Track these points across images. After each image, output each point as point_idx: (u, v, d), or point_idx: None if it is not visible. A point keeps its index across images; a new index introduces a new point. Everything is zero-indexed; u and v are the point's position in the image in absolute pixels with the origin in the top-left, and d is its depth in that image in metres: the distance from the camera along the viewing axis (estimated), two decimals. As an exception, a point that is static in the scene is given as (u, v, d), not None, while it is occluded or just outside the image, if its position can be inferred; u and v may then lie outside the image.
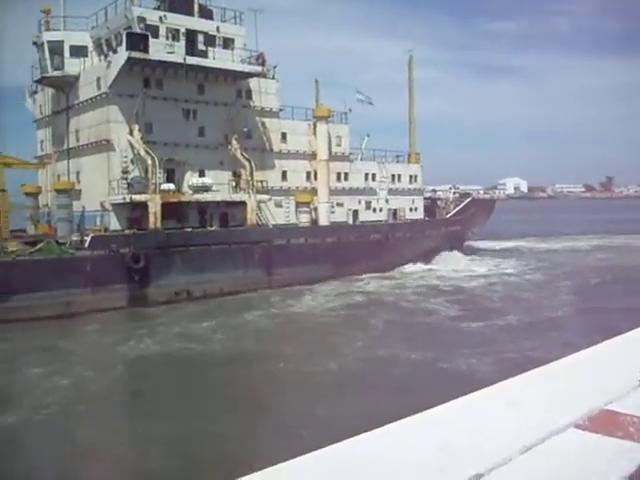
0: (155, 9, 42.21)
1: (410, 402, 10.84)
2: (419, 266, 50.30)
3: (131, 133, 39.89)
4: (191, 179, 42.49)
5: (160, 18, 40.69)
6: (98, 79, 41.01)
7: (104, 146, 40.45)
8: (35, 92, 49.53)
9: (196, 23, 42.66)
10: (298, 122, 49.84)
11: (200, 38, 42.53)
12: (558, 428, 2.42)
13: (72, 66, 43.10)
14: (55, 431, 17.52)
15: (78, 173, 43.58)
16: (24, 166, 45.18)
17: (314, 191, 48.93)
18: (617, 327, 4.68)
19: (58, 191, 39.91)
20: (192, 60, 41.13)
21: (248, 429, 16.79)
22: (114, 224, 39.74)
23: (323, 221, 48.75)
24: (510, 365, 19.96)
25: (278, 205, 47.32)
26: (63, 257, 34.61)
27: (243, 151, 44.28)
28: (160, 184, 39.68)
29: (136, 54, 38.45)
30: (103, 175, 40.35)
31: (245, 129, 45.57)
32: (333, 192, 50.26)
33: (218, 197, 42.78)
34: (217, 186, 42.93)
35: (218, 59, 42.67)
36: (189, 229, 41.01)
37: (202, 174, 43.36)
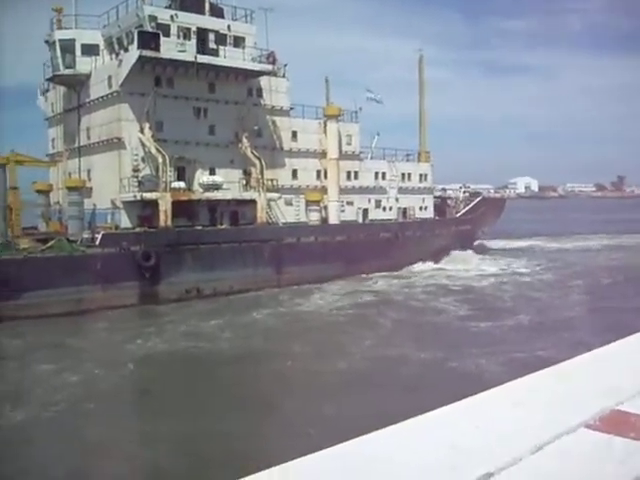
0: (166, 8, 42.35)
1: (419, 401, 10.81)
2: (429, 265, 50.18)
3: (142, 131, 40.04)
4: (201, 177, 42.61)
5: (171, 17, 40.83)
6: (109, 77, 41.20)
7: (115, 144, 40.62)
8: (47, 90, 49.82)
9: (207, 22, 42.76)
10: (308, 121, 49.86)
11: (211, 37, 42.62)
12: (569, 428, 2.40)
13: (84, 64, 43.32)
14: (64, 428, 17.61)
15: (89, 171, 43.81)
16: (36, 164, 45.46)
17: (324, 190, 48.94)
18: (629, 327, 4.65)
19: (69, 189, 40.10)
20: (203, 59, 41.23)
21: (256, 427, 16.80)
22: (125, 222, 39.91)
23: (333, 220, 48.75)
24: (520, 365, 19.88)
25: (288, 203, 47.35)
26: (74, 254, 34.80)
27: (253, 149, 44.33)
28: (171, 182, 39.81)
29: (147, 53, 38.60)
30: (114, 173, 40.52)
31: (256, 127, 45.64)
32: (343, 191, 50.26)
33: (228, 195, 42.88)
34: (227, 184, 43.02)
35: (229, 58, 42.74)
36: (199, 227, 41.12)
37: (212, 172, 43.47)
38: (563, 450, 2.25)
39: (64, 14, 44.74)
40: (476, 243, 63.04)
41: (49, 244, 35.15)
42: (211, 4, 44.05)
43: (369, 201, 53.54)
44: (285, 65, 48.28)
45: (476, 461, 2.13)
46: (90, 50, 43.45)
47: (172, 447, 15.65)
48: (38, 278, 32.04)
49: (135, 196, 38.95)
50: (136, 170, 40.04)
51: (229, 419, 17.08)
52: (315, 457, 2.21)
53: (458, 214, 62.17)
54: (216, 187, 42.21)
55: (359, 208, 52.57)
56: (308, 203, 47.71)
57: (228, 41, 43.21)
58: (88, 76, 43.39)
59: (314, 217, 47.48)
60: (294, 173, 48.59)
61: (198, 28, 41.85)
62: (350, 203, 51.65)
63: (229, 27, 43.57)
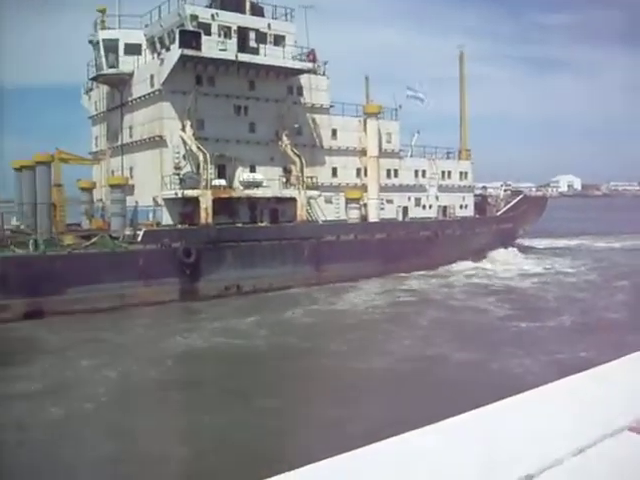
0: (207, 7, 42.71)
1: (458, 401, 10.71)
2: (469, 264, 49.66)
3: (183, 129, 40.49)
4: (242, 175, 42.91)
5: (212, 16, 41.18)
6: (151, 76, 41.75)
7: (157, 142, 41.17)
8: (90, 89, 50.72)
9: (247, 20, 43.01)
10: (348, 118, 49.82)
11: (251, 35, 42.86)
12: (612, 431, 2.35)
13: (126, 64, 44.03)
14: (104, 421, 17.88)
15: (131, 169, 44.51)
16: (79, 162, 46.42)
17: (364, 187, 48.85)
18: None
19: (112, 186, 40.74)
20: (244, 57, 41.50)
21: (292, 424, 16.87)
22: (166, 219, 40.43)
23: (373, 217, 48.65)
24: (562, 366, 19.56)
25: (328, 201, 47.40)
26: (117, 251, 35.37)
27: (293, 147, 44.49)
28: (211, 180, 40.19)
29: (189, 51, 39.01)
30: (156, 171, 41.06)
31: (296, 125, 45.78)
32: (383, 189, 50.11)
33: (268, 193, 43.11)
34: (267, 182, 43.26)
35: (269, 56, 42.92)
36: (240, 224, 41.41)
37: (253, 170, 43.75)
38: (605, 453, 2.20)
39: (107, 14, 45.52)
40: (517, 242, 62.25)
41: (92, 240, 35.77)
42: (252, 3, 44.29)
43: (409, 199, 53.28)
44: (325, 63, 48.36)
45: (516, 462, 2.10)
46: (133, 49, 44.13)
47: (213, 440, 15.77)
48: (82, 274, 32.66)
49: (176, 193, 39.42)
50: (177, 168, 40.51)
51: (266, 415, 17.15)
52: (355, 454, 2.20)
53: (499, 212, 61.49)
54: (256, 185, 42.47)
55: (399, 206, 52.36)
56: (348, 201, 47.70)
57: (268, 39, 43.41)
58: (131, 75, 44.10)
59: (354, 215, 47.43)
60: (334, 171, 48.61)
61: (239, 27, 42.13)
62: (390, 201, 51.47)
63: (269, 26, 43.76)
